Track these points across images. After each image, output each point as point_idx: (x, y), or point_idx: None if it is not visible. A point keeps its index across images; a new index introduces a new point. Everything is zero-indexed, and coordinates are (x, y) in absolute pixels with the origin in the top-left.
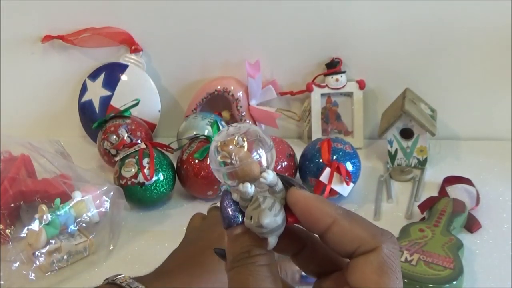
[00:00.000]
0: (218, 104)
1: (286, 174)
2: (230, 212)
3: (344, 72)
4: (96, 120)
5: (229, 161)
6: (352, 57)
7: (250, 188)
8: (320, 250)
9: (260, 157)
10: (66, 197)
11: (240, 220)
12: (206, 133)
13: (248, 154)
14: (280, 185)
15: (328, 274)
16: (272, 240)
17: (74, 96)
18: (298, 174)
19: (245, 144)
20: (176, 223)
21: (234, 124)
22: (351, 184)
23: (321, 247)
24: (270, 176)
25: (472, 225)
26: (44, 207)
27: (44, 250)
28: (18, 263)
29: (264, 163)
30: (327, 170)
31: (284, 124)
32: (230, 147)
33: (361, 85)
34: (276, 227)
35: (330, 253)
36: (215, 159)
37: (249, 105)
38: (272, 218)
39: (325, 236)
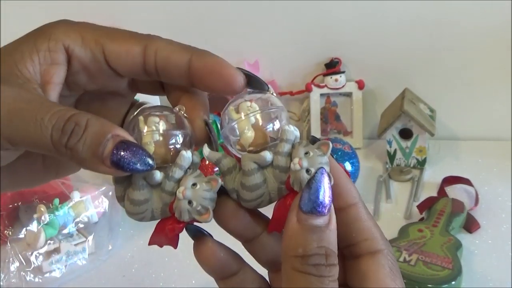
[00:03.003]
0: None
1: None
2: (326, 195)
3: (343, 72)
4: None
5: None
6: (351, 57)
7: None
8: (274, 243)
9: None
10: (64, 198)
11: (327, 210)
12: None
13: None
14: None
15: (278, 269)
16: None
17: None
18: None
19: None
20: None
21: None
22: None
23: (274, 241)
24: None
25: (471, 225)
26: (42, 207)
27: (42, 251)
28: (16, 263)
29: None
30: None
31: None
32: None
33: (360, 85)
34: None
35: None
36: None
37: None
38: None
39: (337, 215)
